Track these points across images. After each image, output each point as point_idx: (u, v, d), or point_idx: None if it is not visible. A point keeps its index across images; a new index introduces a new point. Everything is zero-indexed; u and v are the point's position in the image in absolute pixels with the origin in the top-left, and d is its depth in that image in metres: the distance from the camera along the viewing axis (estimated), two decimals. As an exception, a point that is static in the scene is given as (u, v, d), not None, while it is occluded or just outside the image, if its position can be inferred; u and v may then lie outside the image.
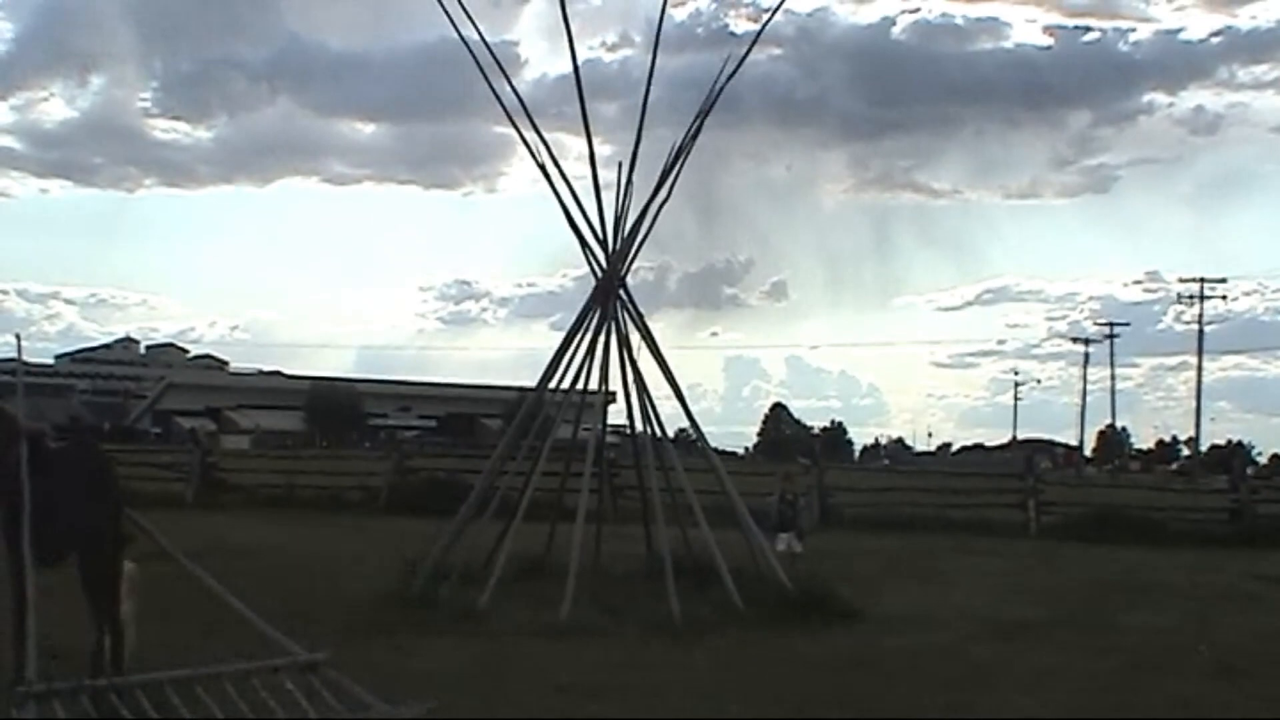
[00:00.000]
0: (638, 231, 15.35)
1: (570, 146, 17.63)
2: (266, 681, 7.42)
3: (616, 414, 17.16)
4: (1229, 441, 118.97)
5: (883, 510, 28.05)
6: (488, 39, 14.98)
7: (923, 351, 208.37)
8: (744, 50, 15.58)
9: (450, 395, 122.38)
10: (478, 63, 14.81)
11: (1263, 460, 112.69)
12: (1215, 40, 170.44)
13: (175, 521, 16.45)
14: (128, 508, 9.09)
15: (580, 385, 15.34)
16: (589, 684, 10.13)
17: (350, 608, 13.20)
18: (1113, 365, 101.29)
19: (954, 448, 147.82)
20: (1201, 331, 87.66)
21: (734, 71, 15.22)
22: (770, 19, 16.58)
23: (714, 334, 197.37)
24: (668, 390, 15.64)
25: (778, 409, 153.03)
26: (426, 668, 10.44)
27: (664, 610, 13.03)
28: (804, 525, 18.31)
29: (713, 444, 17.01)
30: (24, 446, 8.20)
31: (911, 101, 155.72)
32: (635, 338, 15.39)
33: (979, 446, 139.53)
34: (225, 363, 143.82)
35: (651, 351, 15.43)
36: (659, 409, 15.40)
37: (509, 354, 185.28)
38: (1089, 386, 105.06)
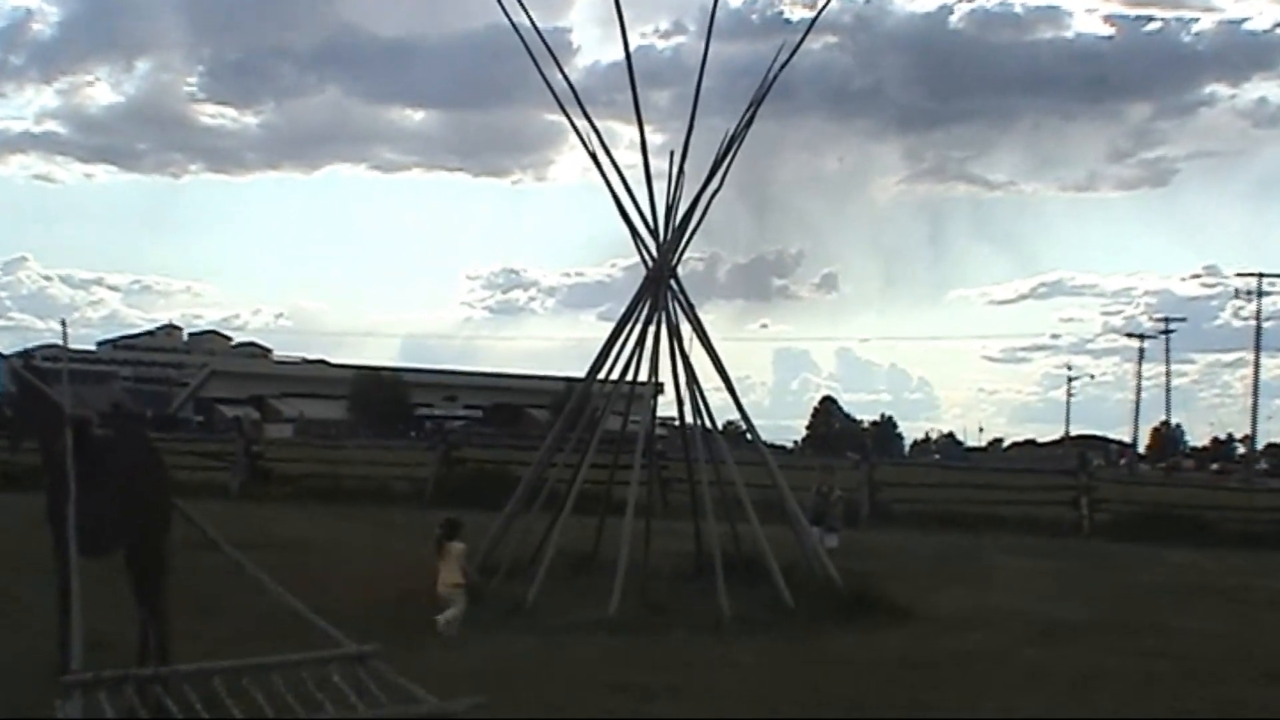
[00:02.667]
0: (689, 221, 15.28)
1: (622, 135, 17.63)
2: (314, 674, 7.39)
3: (666, 405, 17.13)
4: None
5: (933, 507, 27.88)
6: (539, 26, 14.97)
7: (975, 346, 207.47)
8: (798, 38, 15.50)
9: (497, 385, 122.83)
10: (529, 50, 14.80)
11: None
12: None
13: (221, 513, 16.62)
14: (174, 497, 9.09)
15: (629, 376, 15.32)
16: (639, 684, 10.10)
17: (398, 602, 13.19)
18: (1168, 361, 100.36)
19: (1005, 443, 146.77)
20: (1260, 327, 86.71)
21: (788, 60, 15.14)
22: (825, 6, 16.46)
23: (764, 325, 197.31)
24: (717, 382, 15.65)
25: (827, 402, 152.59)
26: (474, 663, 10.44)
27: (713, 608, 13.02)
28: (838, 521, 18.18)
29: (763, 437, 16.89)
30: (70, 435, 8.18)
31: (968, 92, 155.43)
32: (685, 328, 15.36)
33: (1030, 442, 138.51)
34: (269, 350, 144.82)
35: (701, 342, 15.41)
36: (708, 400, 15.40)
37: (557, 344, 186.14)
38: (1144, 383, 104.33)
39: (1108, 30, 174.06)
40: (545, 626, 12.32)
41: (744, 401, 15.82)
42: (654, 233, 15.30)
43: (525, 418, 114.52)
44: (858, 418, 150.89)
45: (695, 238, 15.43)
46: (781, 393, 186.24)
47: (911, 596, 14.58)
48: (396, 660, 7.65)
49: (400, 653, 8.85)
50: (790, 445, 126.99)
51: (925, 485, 31.00)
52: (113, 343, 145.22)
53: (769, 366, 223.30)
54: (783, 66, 15.11)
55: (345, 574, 15.26)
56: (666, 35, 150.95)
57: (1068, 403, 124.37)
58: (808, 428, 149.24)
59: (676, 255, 15.41)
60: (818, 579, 14.43)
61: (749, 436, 16.32)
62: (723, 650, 11.63)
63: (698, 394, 15.21)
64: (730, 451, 15.87)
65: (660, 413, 17.88)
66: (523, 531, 14.75)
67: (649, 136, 15.02)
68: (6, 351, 14.04)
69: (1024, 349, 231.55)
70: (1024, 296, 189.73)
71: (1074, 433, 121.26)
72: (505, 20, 14.75)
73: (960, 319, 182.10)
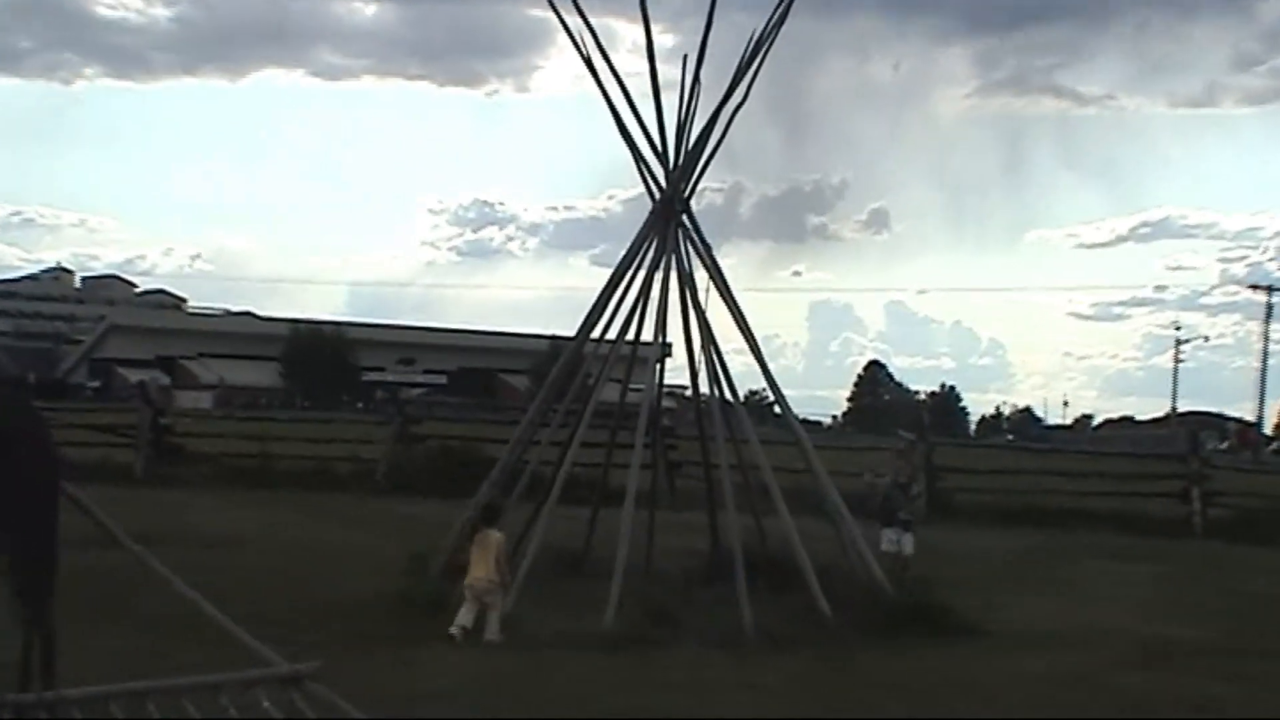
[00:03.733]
0: (705, 143, 15.27)
1: (624, 35, 17.71)
2: (237, 699, 7.43)
3: (675, 371, 17.15)
4: None
5: (1005, 499, 27.96)
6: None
7: (1059, 300, 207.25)
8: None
9: (466, 346, 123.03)
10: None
11: None
12: None
13: (123, 499, 16.66)
14: (66, 480, 9.10)
15: (630, 335, 15.37)
16: (641, 711, 10.17)
17: (343, 611, 13.30)
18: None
19: (1096, 421, 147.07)
20: None
21: (831, -61, 15.09)
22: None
23: (797, 273, 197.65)
24: (739, 342, 15.61)
25: (874, 368, 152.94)
26: (437, 686, 10.51)
27: (732, 619, 13.09)
28: (915, 515, 18.14)
29: (794, 411, 16.92)
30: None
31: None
32: (700, 276, 15.38)
33: (1128, 420, 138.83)
34: (182, 300, 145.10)
35: (720, 293, 15.39)
36: (728, 365, 15.39)
37: (540, 295, 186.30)
38: (1271, 346, 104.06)
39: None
40: (527, 641, 12.39)
41: (772, 367, 15.74)
42: (662, 157, 15.29)
43: (501, 386, 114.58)
44: (912, 388, 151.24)
45: (714, 163, 15.44)
46: (818, 356, 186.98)
47: (978, 608, 14.61)
48: (341, 681, 7.69)
49: (346, 672, 8.91)
50: (828, 421, 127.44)
51: (996, 472, 30.94)
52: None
53: (803, 324, 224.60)
54: (824, -53, 15.07)
55: (278, 576, 15.38)
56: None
57: (1175, 371, 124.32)
58: (850, 399, 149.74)
59: (690, 185, 15.41)
60: (862, 585, 14.48)
61: (778, 410, 16.32)
62: (744, 671, 11.68)
63: (714, 357, 15.22)
64: (754, 428, 15.89)
65: (668, 380, 17.92)
66: (498, 525, 14.73)
67: (657, 37, 15.04)
68: None
69: (1121, 304, 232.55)
70: (1122, 239, 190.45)
71: (1182, 408, 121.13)
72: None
73: (1042, 266, 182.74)
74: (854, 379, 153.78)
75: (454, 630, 12.52)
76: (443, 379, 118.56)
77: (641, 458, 14.99)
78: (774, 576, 14.41)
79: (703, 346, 15.25)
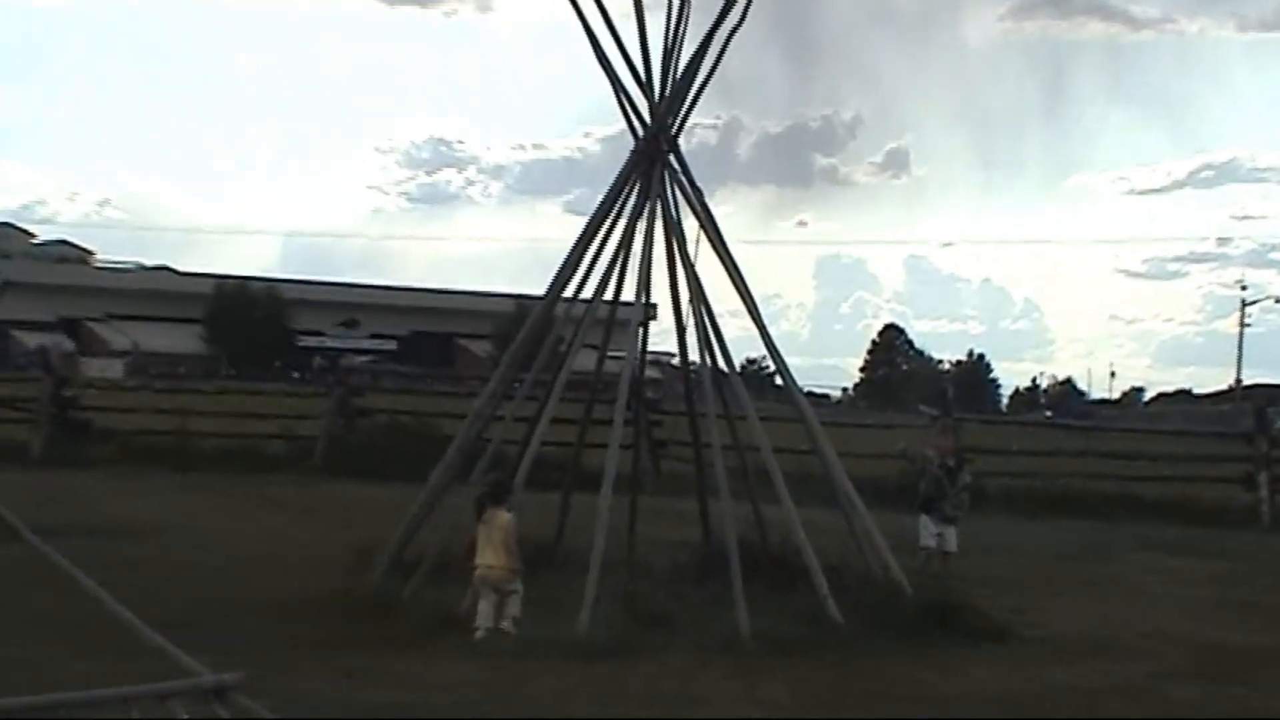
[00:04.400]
0: (696, 71, 15.21)
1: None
2: (151, 712, 7.44)
3: (660, 336, 17.15)
4: None
5: (1042, 483, 28.05)
6: None
7: (1106, 255, 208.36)
8: None
9: (419, 306, 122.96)
10: None
11: None
12: None
13: (19, 483, 16.67)
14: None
15: (609, 294, 15.37)
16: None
17: (275, 612, 13.33)
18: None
19: (1148, 395, 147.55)
20: None
21: None
22: None
23: (802, 223, 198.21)
24: (735, 303, 15.56)
25: (891, 333, 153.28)
26: (382, 699, 10.52)
27: (727, 622, 13.09)
28: (960, 509, 18.03)
29: (799, 383, 16.91)
30: None
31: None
32: (690, 226, 15.35)
33: (1185, 394, 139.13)
34: (90, 253, 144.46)
35: (713, 246, 15.35)
36: (721, 329, 15.36)
37: (505, 247, 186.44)
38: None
39: None
40: (489, 648, 12.43)
41: (773, 331, 15.74)
42: (646, 88, 15.24)
43: (459, 352, 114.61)
44: (935, 356, 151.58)
45: (706, 96, 15.35)
46: (827, 319, 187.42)
47: (1009, 609, 14.68)
48: (271, 693, 7.70)
49: (277, 682, 8.93)
50: (838, 394, 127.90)
51: (1031, 454, 31.07)
52: None
53: (809, 281, 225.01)
54: None
55: (199, 571, 15.41)
56: None
57: (1240, 337, 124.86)
58: (864, 369, 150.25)
59: (678, 121, 15.36)
60: (876, 583, 14.51)
61: (779, 381, 16.32)
62: (740, 682, 11.68)
63: (706, 320, 15.21)
64: (752, 402, 15.90)
65: (652, 347, 17.93)
66: (454, 512, 14.68)
67: (641, -56, 14.94)
68: None
69: (1178, 259, 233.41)
70: (1180, 184, 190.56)
71: (1248, 380, 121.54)
72: None
73: (1087, 216, 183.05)
74: (868, 346, 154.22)
75: (479, 634, 12.70)
76: (391, 344, 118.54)
77: (621, 436, 14.92)
78: (775, 573, 14.44)
79: (693, 307, 15.24)
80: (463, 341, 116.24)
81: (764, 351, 16.19)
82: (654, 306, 15.91)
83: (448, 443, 16.03)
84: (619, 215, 15.26)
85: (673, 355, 15.91)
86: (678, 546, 16.21)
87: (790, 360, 16.16)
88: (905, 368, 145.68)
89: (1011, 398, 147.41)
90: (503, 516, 13.18)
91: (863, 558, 14.93)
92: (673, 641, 12.76)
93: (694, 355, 15.40)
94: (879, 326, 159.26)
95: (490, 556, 13.01)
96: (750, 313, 15.56)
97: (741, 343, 16.76)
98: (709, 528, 15.76)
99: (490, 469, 14.18)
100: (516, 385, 16.03)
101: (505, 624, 12.85)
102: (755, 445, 15.12)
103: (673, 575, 15.15)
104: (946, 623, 13.75)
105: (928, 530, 17.30)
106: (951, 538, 17.32)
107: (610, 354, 16.41)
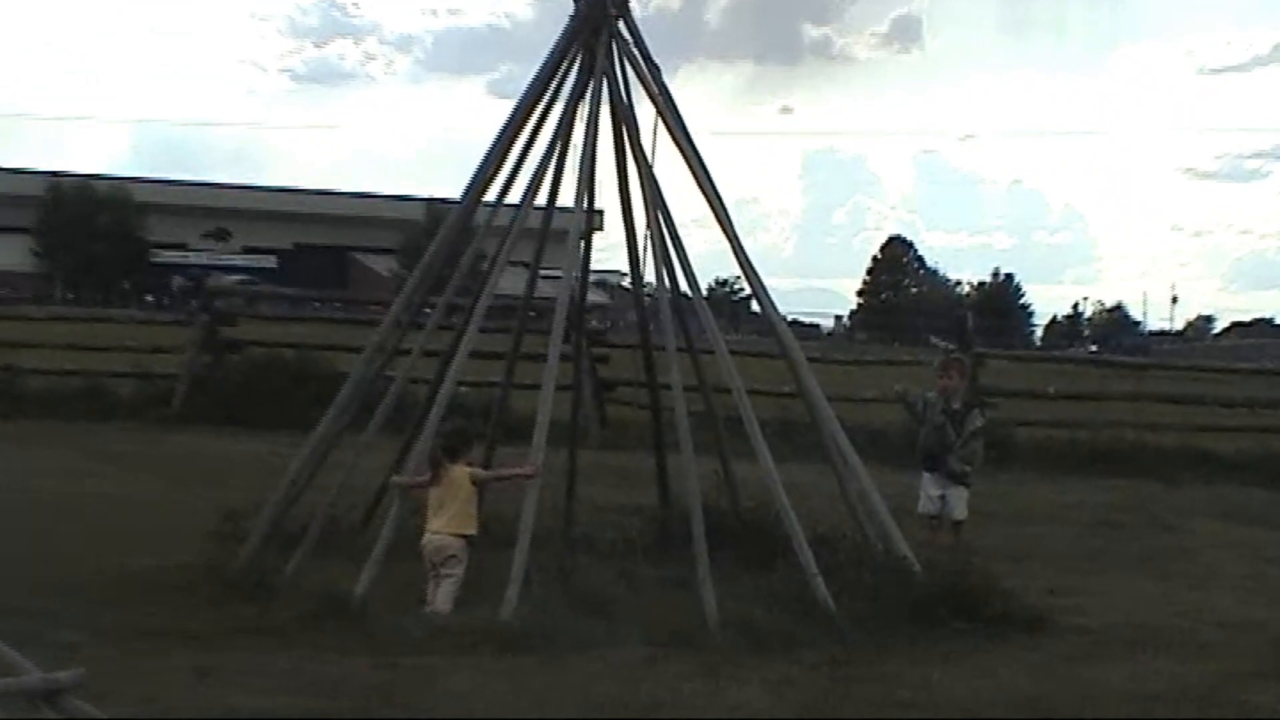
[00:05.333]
0: (653, -87, 15.17)
1: None
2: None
3: (607, 252, 17.06)
4: None
5: (1084, 435, 28.29)
6: None
7: (1167, 149, 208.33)
8: None
9: (305, 213, 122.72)
10: None
11: None
12: None
13: None
14: None
15: (543, 198, 15.32)
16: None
17: (123, 593, 13.27)
18: None
19: (1219, 325, 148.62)
20: None
21: None
22: None
23: (786, 109, 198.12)
24: (702, 209, 15.52)
25: (897, 248, 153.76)
26: (250, 705, 10.42)
27: (689, 608, 13.09)
28: (971, 465, 17.94)
29: (782, 310, 16.88)
30: None
31: None
32: (645, 112, 15.33)
33: (1265, 323, 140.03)
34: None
35: (674, 138, 15.31)
36: (683, 243, 15.35)
37: (414, 139, 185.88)
38: None
39: None
40: (388, 640, 12.32)
41: (749, 245, 15.68)
42: (590, -65, 15.18)
43: (355, 270, 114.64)
44: (951, 277, 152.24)
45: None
46: (816, 230, 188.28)
47: (1042, 592, 14.73)
48: (115, 695, 7.66)
49: (123, 682, 8.86)
50: (830, 324, 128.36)
51: (1072, 397, 31.15)
52: None
53: (794, 183, 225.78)
54: None
55: (31, 543, 15.31)
56: None
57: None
58: (863, 293, 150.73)
59: (631, -23, 15.34)
60: (879, 560, 14.46)
61: (757, 307, 16.27)
62: (705, 682, 11.61)
63: (664, 230, 15.20)
64: (724, 333, 15.86)
65: (597, 264, 17.88)
66: (348, 470, 14.77)
67: None
68: None
69: (1258, 155, 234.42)
70: (1262, 60, 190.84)
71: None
72: None
73: (1143, 99, 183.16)
74: (867, 264, 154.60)
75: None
76: (271, 261, 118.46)
77: (558, 375, 14.83)
78: (749, 547, 14.50)
79: (648, 215, 15.22)
80: (360, 257, 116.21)
81: (737, 271, 16.14)
82: (599, 214, 15.92)
83: (340, 383, 15.97)
84: (555, 98, 15.23)
85: (623, 274, 15.84)
86: (628, 513, 16.30)
87: (771, 282, 16.07)
88: (914, 291, 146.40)
89: (1047, 328, 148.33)
90: (463, 473, 13.31)
91: (859, 527, 14.95)
92: (620, 631, 12.73)
93: (649, 274, 15.35)
94: (882, 239, 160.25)
95: (447, 520, 13.19)
96: (720, 222, 15.51)
97: (709, 259, 16.68)
98: (667, 490, 15.83)
99: (447, 416, 14.13)
100: (426, 311, 16.04)
101: (441, 605, 13.01)
102: (726, 386, 15.06)
103: (621, 549, 15.08)
104: (963, 609, 13.66)
105: (927, 493, 17.25)
106: (958, 501, 17.27)
107: (544, 272, 16.35)
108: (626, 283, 15.86)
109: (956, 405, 17.73)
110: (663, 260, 15.17)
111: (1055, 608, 14.32)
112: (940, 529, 16.96)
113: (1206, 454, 27.16)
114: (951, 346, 30.40)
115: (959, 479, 17.33)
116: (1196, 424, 28.88)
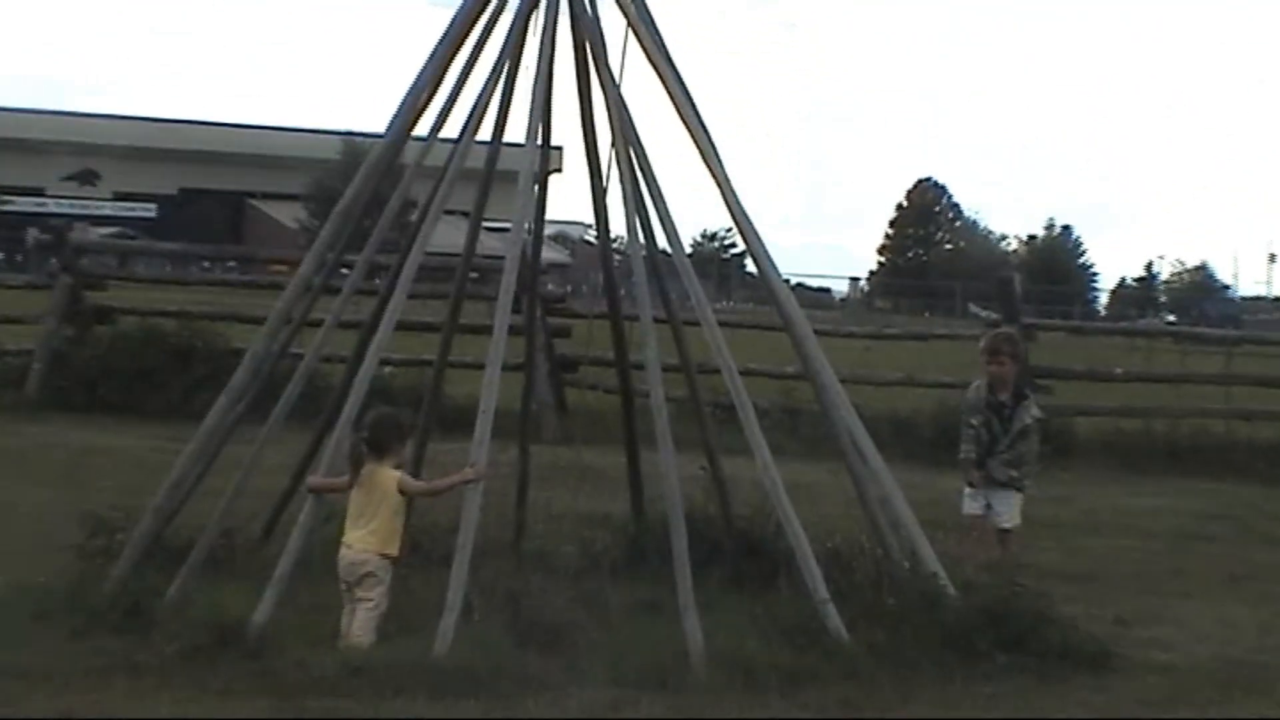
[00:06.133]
0: None
1: None
2: None
3: (567, 200, 16.85)
4: None
5: (1162, 426, 28.49)
6: None
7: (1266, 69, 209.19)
8: None
9: (193, 150, 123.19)
10: None
11: None
12: None
13: None
14: None
15: (487, 131, 15.23)
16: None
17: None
18: None
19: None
20: None
21: None
22: None
23: (790, 26, 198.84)
24: (688, 150, 15.31)
25: (928, 193, 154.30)
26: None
27: (667, 639, 12.98)
28: (1029, 468, 17.60)
29: (784, 271, 16.80)
30: None
31: None
32: (613, 23, 15.22)
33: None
34: None
35: (649, 57, 15.17)
36: (661, 188, 15.23)
37: (330, 60, 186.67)
38: None
39: None
40: (292, 680, 12.19)
41: (743, 192, 15.53)
42: None
43: (254, 221, 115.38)
44: (995, 231, 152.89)
45: None
46: (828, 174, 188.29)
47: (1115, 620, 14.89)
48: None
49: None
50: (845, 288, 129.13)
51: (1146, 379, 31.27)
52: None
53: (800, 115, 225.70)
54: None
55: None
56: None
57: None
58: (885, 249, 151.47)
59: None
60: (904, 580, 14.33)
61: (753, 267, 16.15)
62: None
63: (639, 173, 15.08)
64: (712, 300, 15.64)
65: (554, 215, 17.82)
66: (245, 471, 14.60)
67: None
68: None
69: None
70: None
71: None
72: None
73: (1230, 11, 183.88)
74: (891, 215, 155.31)
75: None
76: (149, 209, 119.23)
77: (507, 352, 14.60)
78: (744, 564, 14.57)
79: (617, 153, 15.12)
80: (259, 204, 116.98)
81: (729, 223, 16.01)
82: (557, 151, 15.90)
83: (235, 361, 15.96)
84: (503, 6, 15.09)
85: (587, 226, 15.64)
86: (592, 523, 16.26)
87: (770, 236, 16.02)
88: (949, 247, 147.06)
89: (1114, 293, 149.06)
90: (390, 477, 13.19)
91: (879, 539, 14.85)
92: (581, 669, 12.62)
93: (620, 227, 15.19)
94: (909, 183, 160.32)
95: (369, 534, 13.08)
96: (706, 161, 15.35)
97: (694, 210, 16.43)
98: (641, 494, 15.87)
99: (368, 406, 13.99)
100: (343, 272, 16.01)
101: (361, 637, 12.92)
102: (714, 366, 14.96)
103: (583, 567, 15.01)
104: (1010, 640, 13.57)
105: (973, 498, 16.97)
106: (1008, 508, 16.94)
107: (488, 223, 16.29)
108: (591, 236, 15.70)
109: (1004, 397, 17.24)
110: (636, 209, 15.08)
111: (1126, 639, 14.36)
112: (984, 538, 16.62)
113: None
114: (995, 317, 30.10)
115: (1011, 485, 16.98)
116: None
